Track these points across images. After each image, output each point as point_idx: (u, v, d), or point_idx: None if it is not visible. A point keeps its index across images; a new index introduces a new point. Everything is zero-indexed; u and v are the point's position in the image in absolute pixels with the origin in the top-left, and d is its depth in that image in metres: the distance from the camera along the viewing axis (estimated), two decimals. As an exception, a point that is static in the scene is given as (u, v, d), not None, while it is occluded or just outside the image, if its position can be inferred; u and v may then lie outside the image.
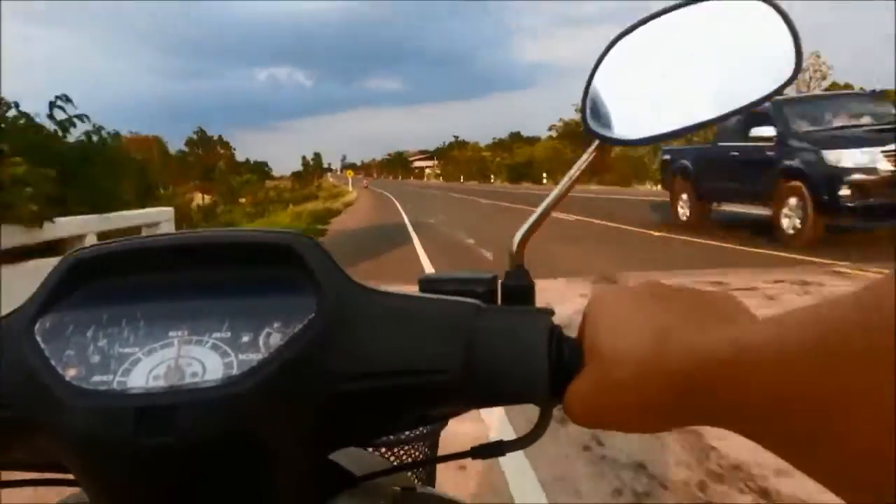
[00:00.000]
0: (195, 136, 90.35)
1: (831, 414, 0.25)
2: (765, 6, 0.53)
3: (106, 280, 0.46)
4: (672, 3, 0.55)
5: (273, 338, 0.42)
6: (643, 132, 0.57)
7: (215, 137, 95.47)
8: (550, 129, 71.06)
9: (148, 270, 0.46)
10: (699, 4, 0.55)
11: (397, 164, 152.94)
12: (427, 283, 0.54)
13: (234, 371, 0.40)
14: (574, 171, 0.57)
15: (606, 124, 0.57)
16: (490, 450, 0.49)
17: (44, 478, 0.48)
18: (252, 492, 0.42)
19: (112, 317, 0.44)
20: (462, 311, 0.45)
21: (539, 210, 0.57)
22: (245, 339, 0.42)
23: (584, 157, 0.57)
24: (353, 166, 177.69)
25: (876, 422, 0.23)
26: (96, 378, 0.40)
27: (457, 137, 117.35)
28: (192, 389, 0.39)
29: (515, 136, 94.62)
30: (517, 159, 67.17)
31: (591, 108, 0.57)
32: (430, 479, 0.92)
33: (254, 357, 0.41)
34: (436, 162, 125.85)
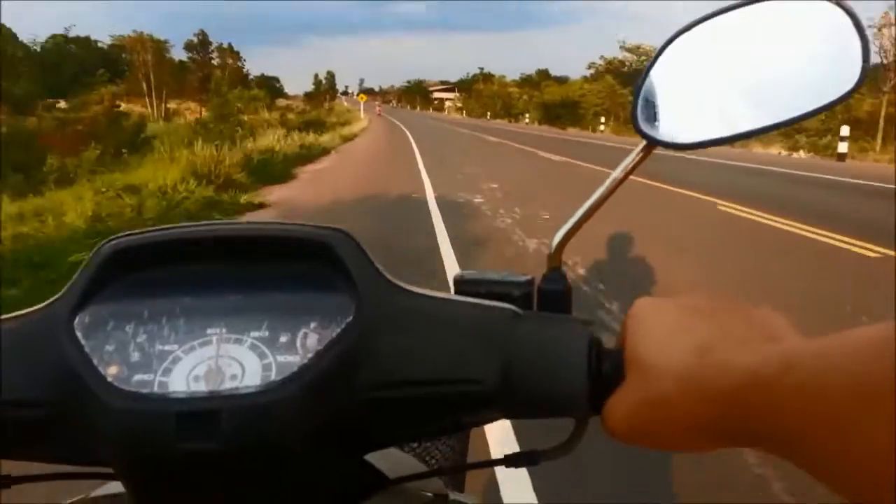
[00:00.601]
0: (195, 40, 78.17)
1: (872, 442, 0.25)
2: (832, 6, 0.51)
3: (144, 271, 0.46)
4: (733, 1, 0.53)
5: (310, 339, 0.43)
6: (694, 137, 0.54)
7: (224, 45, 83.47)
8: (590, 67, 60.22)
9: (185, 261, 0.47)
10: (762, 3, 0.53)
11: (416, 94, 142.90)
12: (463, 284, 0.54)
13: (273, 375, 0.41)
14: (619, 173, 0.55)
15: (657, 125, 0.55)
16: (524, 459, 0.49)
17: (79, 471, 0.49)
18: (287, 493, 0.43)
19: (152, 311, 0.44)
20: (499, 317, 0.46)
21: (580, 212, 0.56)
22: (283, 339, 0.43)
23: (631, 157, 0.55)
24: (370, 92, 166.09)
25: None
26: (137, 378, 0.41)
27: (482, 69, 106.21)
28: (233, 395, 0.40)
29: (543, 74, 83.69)
30: (547, 98, 62.20)
31: (643, 107, 0.55)
32: (460, 482, 0.93)
33: (292, 360, 0.42)
34: (457, 94, 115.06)
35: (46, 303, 0.46)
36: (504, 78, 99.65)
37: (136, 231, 0.48)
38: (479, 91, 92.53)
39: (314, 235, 0.46)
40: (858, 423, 0.25)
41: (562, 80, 76.72)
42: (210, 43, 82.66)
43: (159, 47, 71.87)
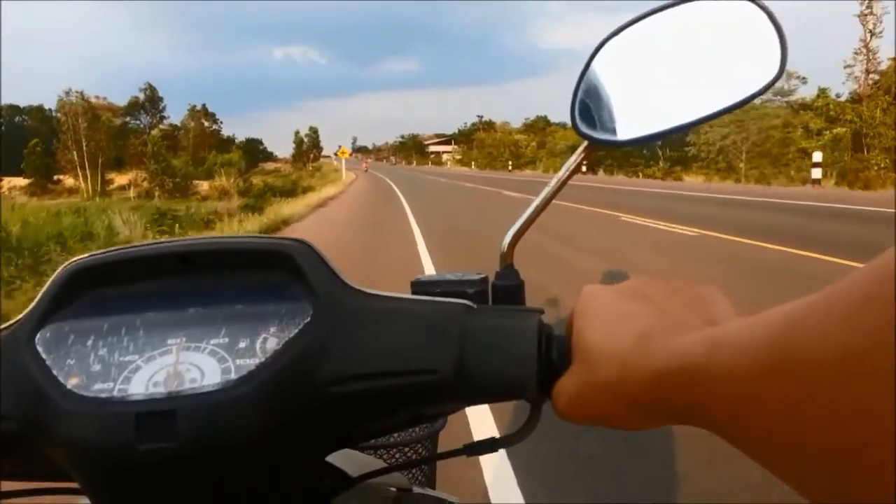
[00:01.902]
0: (142, 96, 64.32)
1: (798, 418, 0.26)
2: (750, 5, 0.57)
3: (104, 288, 0.50)
4: (660, 3, 0.60)
5: (269, 343, 0.45)
6: (632, 133, 0.60)
7: (197, 106, 70.22)
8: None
9: (145, 278, 0.50)
10: (687, 4, 0.59)
11: (411, 148, 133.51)
12: (419, 286, 0.59)
13: (232, 376, 0.44)
14: (563, 173, 0.61)
15: (596, 125, 0.60)
16: (483, 447, 0.53)
17: (51, 487, 0.52)
18: (250, 494, 0.45)
19: (112, 325, 0.47)
20: (453, 311, 0.49)
21: (529, 211, 0.62)
22: (242, 344, 0.46)
23: (574, 158, 0.61)
24: (363, 150, 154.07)
25: (838, 430, 0.24)
26: (97, 386, 0.44)
27: (481, 117, 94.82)
28: (190, 395, 0.43)
29: (544, 120, 76.04)
30: (561, 143, 56.96)
31: (581, 109, 0.60)
32: (430, 480, 0.97)
33: (251, 362, 0.45)
34: (455, 147, 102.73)
35: (10, 322, 0.49)
36: (507, 124, 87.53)
37: (97, 252, 0.51)
38: (481, 140, 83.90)
39: (273, 246, 0.49)
40: (777, 401, 0.27)
41: (563, 126, 71.86)
42: (160, 100, 69.98)
43: (90, 107, 58.42)
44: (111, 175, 61.82)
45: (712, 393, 0.31)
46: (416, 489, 0.65)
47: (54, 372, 0.44)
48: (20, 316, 0.48)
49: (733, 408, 0.30)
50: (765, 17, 0.55)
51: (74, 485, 0.47)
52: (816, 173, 24.31)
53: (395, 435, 0.82)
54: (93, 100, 61.60)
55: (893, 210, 12.22)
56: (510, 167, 68.19)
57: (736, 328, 0.31)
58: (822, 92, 31.69)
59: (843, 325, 0.24)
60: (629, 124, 0.59)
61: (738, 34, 0.58)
